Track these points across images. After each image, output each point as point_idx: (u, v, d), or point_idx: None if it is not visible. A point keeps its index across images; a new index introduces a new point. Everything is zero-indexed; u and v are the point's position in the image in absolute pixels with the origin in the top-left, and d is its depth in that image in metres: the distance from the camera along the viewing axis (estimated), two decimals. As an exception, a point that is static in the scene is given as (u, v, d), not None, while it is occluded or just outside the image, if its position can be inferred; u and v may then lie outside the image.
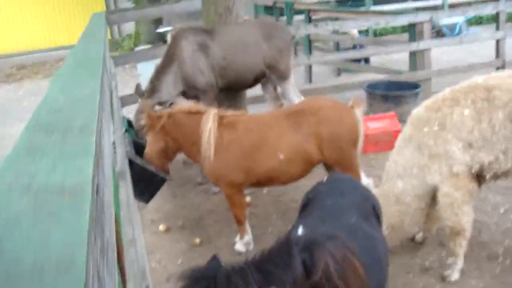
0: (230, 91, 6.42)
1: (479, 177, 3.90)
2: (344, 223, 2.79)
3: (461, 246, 4.04)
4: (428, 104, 4.07)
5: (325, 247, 2.22)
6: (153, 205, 5.42)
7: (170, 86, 5.89)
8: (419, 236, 4.70)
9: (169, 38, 13.76)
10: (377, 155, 6.83)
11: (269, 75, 6.23)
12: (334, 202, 2.95)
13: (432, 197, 4.14)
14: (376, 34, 15.93)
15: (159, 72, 5.90)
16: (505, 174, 3.86)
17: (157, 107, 5.62)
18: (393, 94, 7.96)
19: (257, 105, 7.91)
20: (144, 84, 6.21)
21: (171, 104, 5.61)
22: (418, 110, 4.12)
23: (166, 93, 5.85)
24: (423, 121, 3.98)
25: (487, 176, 3.85)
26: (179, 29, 6.82)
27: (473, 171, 3.81)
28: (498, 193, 5.40)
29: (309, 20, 11.67)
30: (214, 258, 2.09)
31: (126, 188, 2.49)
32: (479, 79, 3.93)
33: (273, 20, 7.06)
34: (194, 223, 5.56)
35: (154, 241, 5.26)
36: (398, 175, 4.11)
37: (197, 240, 5.12)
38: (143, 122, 4.70)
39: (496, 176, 3.88)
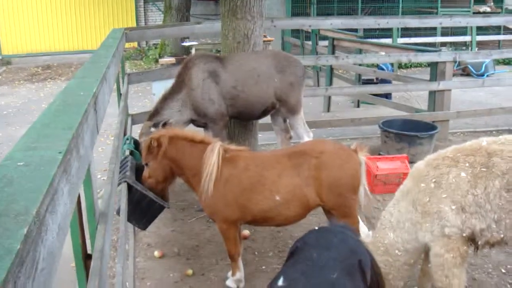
0: (241, 120, 6.39)
1: (473, 242, 3.79)
2: (323, 278, 2.74)
3: (452, 310, 3.90)
4: (430, 159, 3.97)
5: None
6: (151, 227, 5.35)
7: (174, 113, 5.85)
8: (414, 291, 4.59)
9: (193, 51, 13.88)
10: (384, 196, 6.74)
11: (279, 108, 6.17)
12: (319, 255, 2.90)
13: (427, 253, 4.05)
14: (401, 65, 15.85)
15: (166, 98, 5.88)
16: (498, 243, 3.73)
17: (153, 129, 5.58)
18: (408, 134, 7.86)
19: (269, 132, 7.89)
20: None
21: (164, 124, 5.53)
22: (419, 164, 4.02)
23: (166, 118, 5.81)
24: (422, 176, 3.88)
25: (479, 243, 3.73)
26: (191, 55, 6.81)
27: (464, 235, 3.70)
28: (501, 252, 5.26)
29: (333, 47, 11.66)
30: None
31: (105, 234, 2.43)
32: (484, 141, 3.82)
33: (286, 53, 6.97)
34: (190, 251, 5.50)
35: (148, 267, 5.21)
36: (391, 226, 4.02)
37: (190, 271, 5.05)
38: (141, 149, 4.66)
39: (488, 244, 3.75)
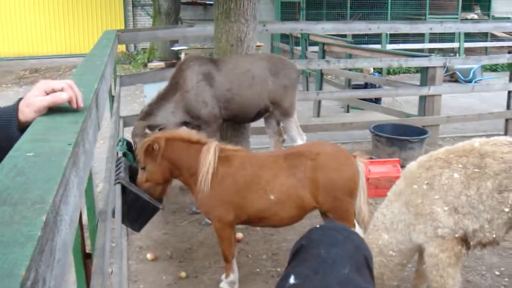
0: (234, 122, 6.37)
1: (466, 242, 3.80)
2: (336, 274, 2.72)
3: (447, 310, 3.90)
4: (422, 160, 4.00)
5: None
6: (143, 230, 5.30)
7: (168, 114, 5.80)
8: (408, 293, 4.59)
9: (183, 56, 13.84)
10: (376, 199, 6.75)
11: (273, 110, 6.15)
12: (327, 252, 2.88)
13: (421, 253, 4.05)
14: (390, 72, 15.93)
15: (161, 98, 5.82)
16: (490, 243, 3.77)
17: (147, 131, 5.54)
18: (399, 138, 7.88)
19: (260, 136, 7.87)
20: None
21: (161, 129, 5.50)
22: (412, 165, 4.05)
23: (161, 119, 5.76)
24: (414, 177, 3.91)
25: (471, 243, 3.76)
26: (185, 57, 6.79)
27: (456, 235, 3.71)
28: (494, 254, 5.28)
29: (323, 52, 11.67)
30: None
31: (105, 232, 2.40)
32: (476, 142, 3.86)
33: (281, 56, 6.97)
34: (183, 254, 5.46)
35: (140, 270, 5.16)
36: (385, 228, 4.03)
37: (183, 274, 5.01)
38: (137, 152, 4.61)
39: (481, 244, 3.77)
